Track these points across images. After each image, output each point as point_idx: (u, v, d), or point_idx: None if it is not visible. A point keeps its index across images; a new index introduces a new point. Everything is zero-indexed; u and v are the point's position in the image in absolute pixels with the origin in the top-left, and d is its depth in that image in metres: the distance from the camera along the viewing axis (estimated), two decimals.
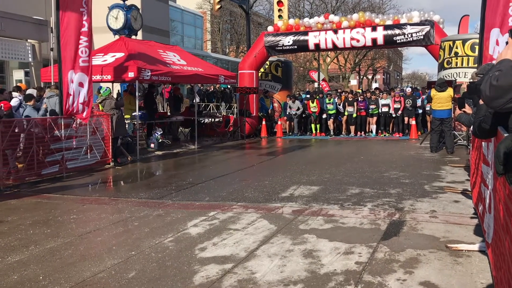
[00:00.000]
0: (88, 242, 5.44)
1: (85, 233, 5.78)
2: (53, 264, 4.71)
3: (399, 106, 17.02)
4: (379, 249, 4.97)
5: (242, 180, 9.11)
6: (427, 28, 15.92)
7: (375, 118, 17.68)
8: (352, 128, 17.88)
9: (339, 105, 17.81)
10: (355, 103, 17.49)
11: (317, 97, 18.60)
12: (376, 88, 23.09)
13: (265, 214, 6.50)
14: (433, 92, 12.52)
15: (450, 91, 12.20)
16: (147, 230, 5.84)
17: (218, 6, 20.11)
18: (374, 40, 16.62)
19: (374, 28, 16.54)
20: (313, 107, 18.22)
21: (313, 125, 18.67)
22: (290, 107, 18.26)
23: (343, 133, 18.31)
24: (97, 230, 5.91)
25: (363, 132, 17.92)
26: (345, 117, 18.06)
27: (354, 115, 17.66)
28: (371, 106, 17.49)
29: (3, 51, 15.85)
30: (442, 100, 12.18)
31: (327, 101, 18.11)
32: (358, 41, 16.82)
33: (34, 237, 5.63)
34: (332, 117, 18.15)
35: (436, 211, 6.48)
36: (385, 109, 17.34)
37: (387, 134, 17.58)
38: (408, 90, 18.53)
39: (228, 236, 5.53)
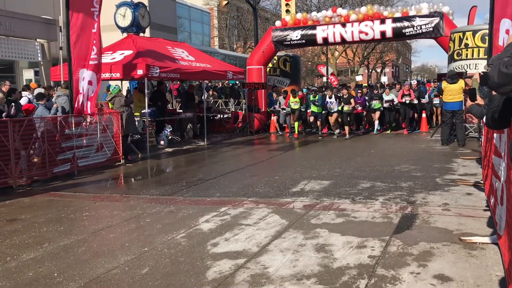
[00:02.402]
0: (101, 239, 5.48)
1: (97, 230, 5.82)
2: (67, 261, 4.75)
3: (408, 101, 15.56)
4: (392, 242, 4.95)
5: (252, 176, 9.11)
6: (436, 19, 15.76)
7: (378, 114, 16.19)
8: (346, 128, 15.42)
9: (330, 97, 15.23)
10: (351, 100, 15.37)
11: (308, 90, 17.38)
12: (377, 83, 21.24)
13: (276, 209, 6.50)
14: (444, 84, 12.41)
15: (461, 83, 12.09)
16: (159, 226, 5.87)
17: (225, 2, 20.09)
18: (383, 33, 16.49)
19: (382, 21, 16.40)
20: (294, 102, 16.21)
21: (296, 124, 16.45)
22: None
23: (335, 131, 15.88)
24: (109, 227, 5.94)
25: (360, 127, 17.01)
26: (335, 115, 15.41)
27: (340, 107, 15.30)
28: (374, 101, 16.02)
29: (13, 51, 15.97)
30: (453, 92, 12.07)
31: (311, 98, 15.81)
32: (366, 34, 16.69)
33: (48, 234, 5.68)
34: (320, 118, 16.01)
35: (449, 204, 6.43)
36: (388, 105, 15.89)
37: (389, 132, 16.16)
38: (414, 82, 17.38)
39: (240, 231, 5.54)
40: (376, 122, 16.41)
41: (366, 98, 16.45)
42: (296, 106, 16.29)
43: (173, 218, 6.21)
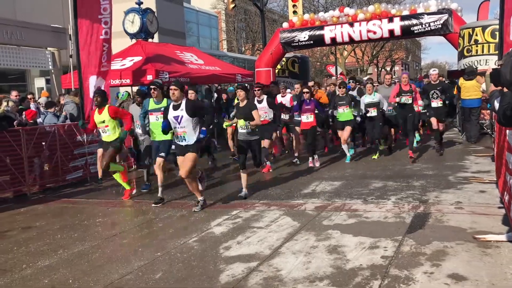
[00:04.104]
0: (114, 244, 5.52)
1: (111, 236, 5.86)
2: (82, 267, 4.79)
3: (409, 102, 9.78)
4: (405, 242, 4.92)
5: (264, 178, 9.10)
6: (445, 16, 15.64)
7: (347, 131, 10.06)
8: (244, 179, 7.61)
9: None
10: (254, 113, 7.30)
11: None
12: (351, 78, 13.32)
13: (287, 211, 6.49)
14: (460, 81, 12.29)
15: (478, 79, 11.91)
16: (171, 231, 5.89)
17: (233, 5, 20.13)
18: (391, 32, 16.40)
19: (390, 19, 16.31)
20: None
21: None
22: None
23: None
24: (122, 232, 5.99)
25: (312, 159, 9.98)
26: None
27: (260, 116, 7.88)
28: (341, 109, 10.10)
29: (24, 60, 16.15)
30: (470, 90, 11.92)
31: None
32: (375, 33, 16.60)
33: (62, 241, 5.74)
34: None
35: (462, 202, 6.38)
36: (372, 112, 10.10)
37: (376, 157, 10.40)
38: (434, 72, 11.10)
39: (251, 234, 5.55)
40: (345, 147, 10.29)
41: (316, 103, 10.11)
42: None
43: (185, 222, 6.23)
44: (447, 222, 5.54)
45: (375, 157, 10.46)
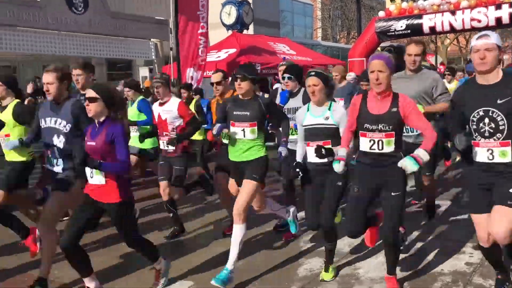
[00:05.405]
0: (198, 234, 5.84)
1: (193, 226, 6.18)
2: (169, 253, 5.18)
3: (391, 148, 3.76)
4: None
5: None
6: None
7: (247, 191, 4.44)
8: None
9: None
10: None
11: None
12: (286, 70, 5.35)
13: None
14: None
15: None
16: (252, 220, 6.03)
17: None
18: (498, 20, 15.24)
19: (498, 6, 15.16)
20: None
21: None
22: None
23: None
24: (205, 221, 6.24)
25: None
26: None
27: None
28: (237, 130, 4.43)
29: (131, 51, 17.41)
30: None
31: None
32: (479, 21, 15.55)
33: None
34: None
35: None
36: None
37: (329, 277, 4.23)
38: (480, 43, 3.25)
39: None
40: (291, 212, 5.15)
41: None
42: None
43: (266, 213, 6.36)
44: None
45: (328, 277, 4.29)
